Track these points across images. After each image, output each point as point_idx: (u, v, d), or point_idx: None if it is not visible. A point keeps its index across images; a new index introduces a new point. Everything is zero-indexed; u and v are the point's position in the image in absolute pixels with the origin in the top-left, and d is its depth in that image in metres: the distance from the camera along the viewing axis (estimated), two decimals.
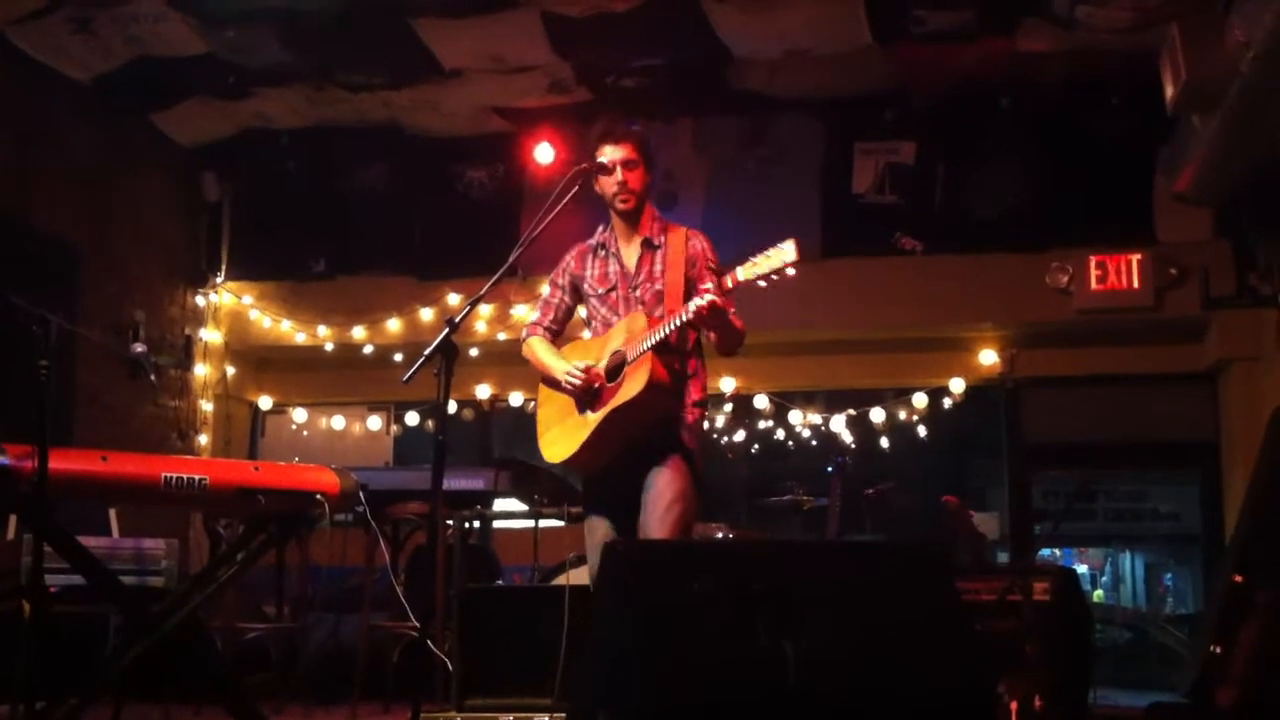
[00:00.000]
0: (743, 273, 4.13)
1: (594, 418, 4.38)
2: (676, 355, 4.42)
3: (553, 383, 4.54)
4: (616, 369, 4.37)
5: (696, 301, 4.15)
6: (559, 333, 4.71)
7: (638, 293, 4.51)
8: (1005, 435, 9.57)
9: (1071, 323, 8.80)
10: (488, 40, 7.96)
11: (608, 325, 4.54)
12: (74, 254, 8.31)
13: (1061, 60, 8.14)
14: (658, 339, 4.25)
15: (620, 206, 4.53)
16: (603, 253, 4.61)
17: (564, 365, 4.47)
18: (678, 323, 4.22)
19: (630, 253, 4.57)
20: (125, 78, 8.16)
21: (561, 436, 4.49)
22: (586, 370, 4.40)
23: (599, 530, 4.45)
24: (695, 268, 4.49)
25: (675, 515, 4.29)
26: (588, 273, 4.63)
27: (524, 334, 4.74)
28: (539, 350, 4.63)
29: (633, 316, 4.45)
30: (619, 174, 4.47)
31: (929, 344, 9.30)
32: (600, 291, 4.59)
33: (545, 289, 4.76)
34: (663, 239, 4.55)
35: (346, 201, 9.66)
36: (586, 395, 4.42)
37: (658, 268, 4.50)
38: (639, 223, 4.56)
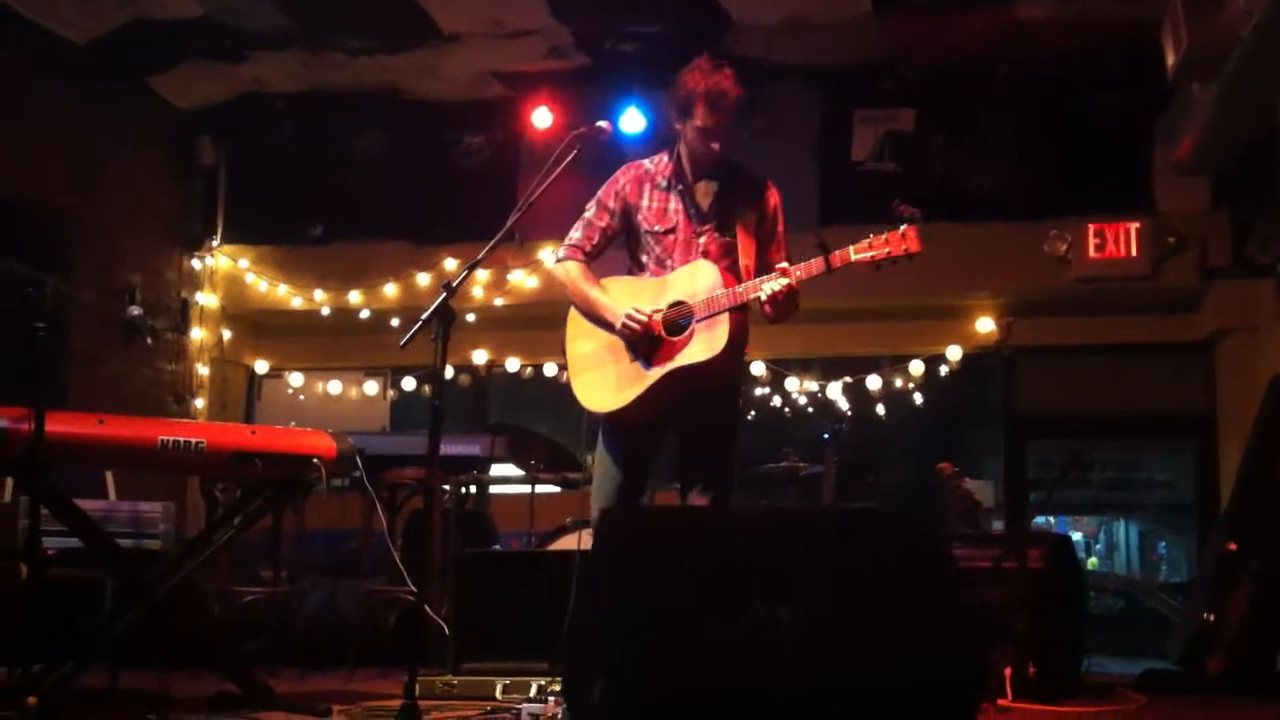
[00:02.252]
0: (855, 253, 4.04)
1: (653, 374, 4.14)
2: (744, 314, 4.21)
3: (596, 320, 4.29)
4: (680, 323, 4.16)
5: (772, 285, 4.02)
6: (595, 258, 4.43)
7: (702, 240, 4.26)
8: (1001, 403, 9.59)
9: (1069, 291, 8.80)
10: (486, 4, 7.95)
11: (661, 266, 4.29)
12: (68, 218, 8.29)
13: (1061, 28, 8.10)
14: (740, 300, 4.08)
15: (705, 162, 4.29)
16: (663, 185, 4.34)
17: (619, 307, 4.20)
18: (765, 295, 4.05)
19: (701, 194, 4.31)
20: (120, 40, 8.13)
21: (605, 384, 4.25)
22: (650, 318, 4.16)
23: (612, 475, 4.30)
24: (766, 224, 4.31)
25: (713, 495, 4.25)
26: (644, 203, 4.34)
27: (561, 254, 4.45)
28: (581, 281, 4.34)
29: (699, 265, 4.19)
30: (714, 143, 4.23)
31: (926, 312, 9.29)
32: (657, 229, 4.30)
33: (590, 209, 4.44)
34: (736, 185, 4.31)
35: (343, 166, 9.63)
36: (643, 344, 4.19)
37: (728, 217, 4.27)
38: (715, 163, 4.32)
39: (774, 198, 4.36)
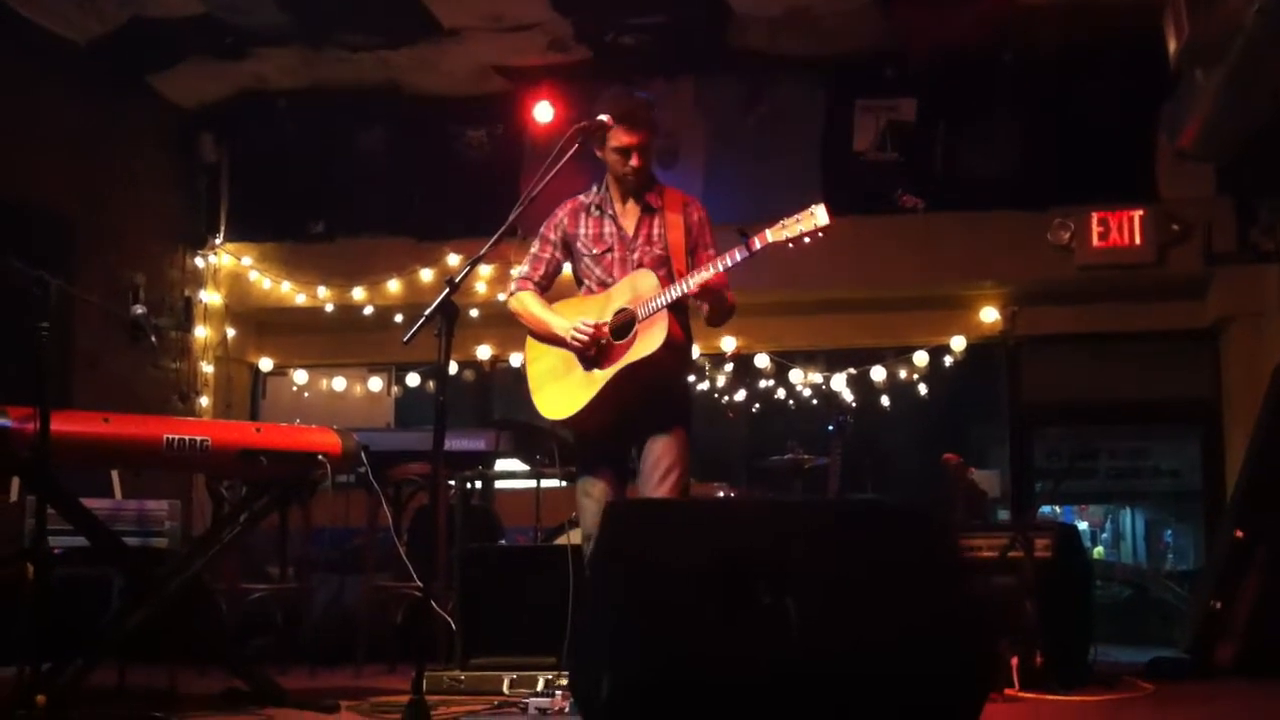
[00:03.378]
0: (772, 234, 4.20)
1: (602, 375, 4.37)
2: (684, 315, 4.45)
3: (548, 338, 4.51)
4: (625, 327, 4.37)
5: (702, 275, 4.23)
6: (547, 288, 4.68)
7: (635, 255, 4.50)
8: (1006, 393, 9.57)
9: (1073, 280, 8.78)
10: None
11: (603, 285, 4.53)
12: (70, 217, 8.29)
13: (1063, 16, 8.09)
14: (675, 297, 4.29)
15: (629, 183, 4.53)
16: (597, 213, 4.59)
17: (565, 321, 4.44)
18: (694, 283, 4.25)
19: (628, 215, 4.56)
20: (121, 39, 8.11)
21: (562, 394, 4.47)
22: (595, 327, 4.39)
23: (595, 491, 4.46)
24: (692, 235, 4.53)
25: (673, 480, 4.37)
26: (581, 231, 4.59)
27: (512, 288, 4.69)
28: (531, 305, 4.59)
29: (639, 274, 4.43)
30: (633, 159, 4.46)
31: (930, 302, 9.29)
32: (595, 252, 4.56)
33: (535, 244, 4.69)
34: (660, 203, 4.55)
35: (345, 162, 9.62)
36: (592, 351, 4.40)
37: (656, 231, 4.51)
38: (638, 187, 4.56)
39: (697, 211, 4.61)
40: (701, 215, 4.59)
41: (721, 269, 4.25)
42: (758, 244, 4.19)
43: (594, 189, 4.64)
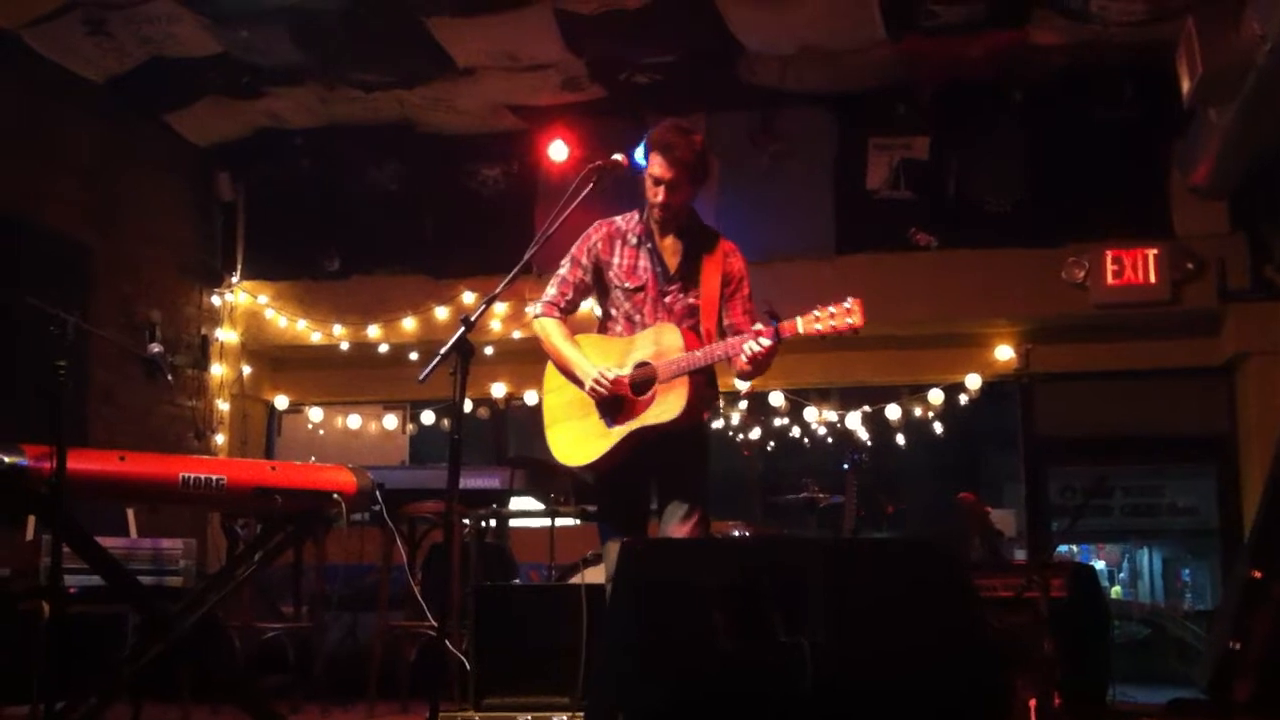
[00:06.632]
0: (803, 325, 4.13)
1: (619, 431, 4.30)
2: (705, 373, 4.36)
3: (570, 376, 4.41)
4: (645, 383, 4.29)
5: (753, 346, 4.11)
6: (571, 312, 4.58)
7: (667, 300, 4.40)
8: (1021, 431, 9.54)
9: (1088, 317, 8.77)
10: (501, 38, 7.97)
11: (630, 322, 4.43)
12: (88, 254, 8.34)
13: (1075, 53, 8.11)
14: (697, 367, 4.21)
15: (656, 215, 4.42)
16: (634, 241, 4.46)
17: (589, 367, 4.34)
18: (721, 356, 4.19)
19: (668, 254, 4.44)
20: (139, 78, 8.18)
21: (576, 439, 4.41)
22: (615, 381, 4.30)
23: (619, 530, 4.38)
24: (729, 286, 4.43)
25: (693, 523, 4.31)
26: (615, 260, 4.47)
27: (537, 310, 4.58)
28: (555, 337, 4.47)
29: (663, 328, 4.35)
30: (659, 193, 4.35)
31: (944, 340, 9.27)
32: (628, 286, 4.44)
33: (564, 265, 4.56)
34: (701, 248, 4.44)
35: (360, 200, 9.68)
36: (609, 403, 4.32)
37: (692, 279, 4.41)
38: (679, 226, 4.46)
39: (738, 262, 4.49)
40: (741, 266, 4.48)
41: (747, 353, 4.12)
42: (786, 334, 4.12)
43: (635, 216, 4.51)
